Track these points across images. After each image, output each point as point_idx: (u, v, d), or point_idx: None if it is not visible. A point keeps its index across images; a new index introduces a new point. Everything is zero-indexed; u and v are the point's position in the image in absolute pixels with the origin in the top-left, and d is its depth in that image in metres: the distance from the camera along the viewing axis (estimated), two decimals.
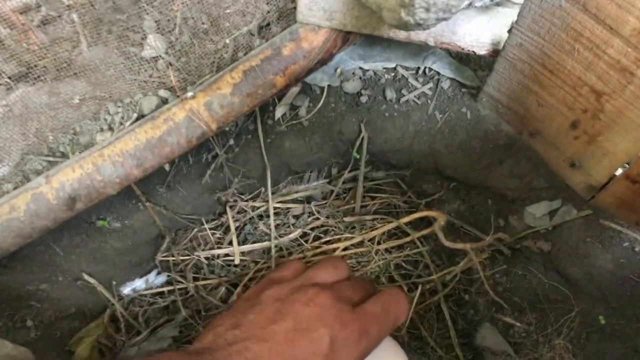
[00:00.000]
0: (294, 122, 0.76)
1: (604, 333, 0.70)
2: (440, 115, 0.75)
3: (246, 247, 0.78)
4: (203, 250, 0.77)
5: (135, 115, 0.66)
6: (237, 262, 0.76)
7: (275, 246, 0.78)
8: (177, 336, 0.72)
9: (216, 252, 0.77)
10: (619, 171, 0.64)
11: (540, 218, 0.75)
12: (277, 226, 0.80)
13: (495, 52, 0.67)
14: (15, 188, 0.61)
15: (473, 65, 0.77)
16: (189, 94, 0.64)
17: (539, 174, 0.73)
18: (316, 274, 0.60)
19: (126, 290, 0.74)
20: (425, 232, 0.80)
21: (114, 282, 0.73)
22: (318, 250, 0.79)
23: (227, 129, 0.73)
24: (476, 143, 0.75)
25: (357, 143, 0.78)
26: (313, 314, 0.53)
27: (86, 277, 0.69)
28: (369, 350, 0.56)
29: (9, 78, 0.69)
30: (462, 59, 0.78)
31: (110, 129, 0.65)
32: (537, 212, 0.75)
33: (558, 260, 0.74)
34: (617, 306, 0.69)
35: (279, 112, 0.76)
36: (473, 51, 0.67)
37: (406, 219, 0.79)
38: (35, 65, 0.70)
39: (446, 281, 0.79)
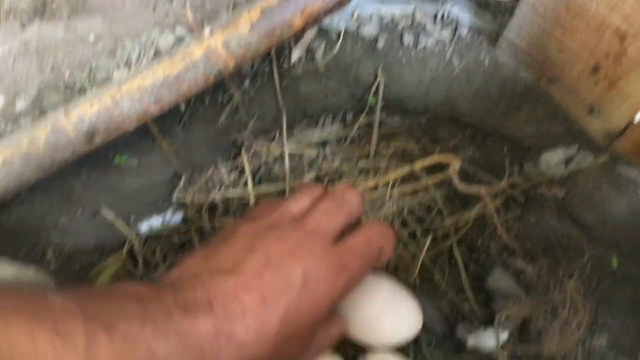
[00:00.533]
0: (310, 66, 0.75)
1: (615, 277, 0.71)
2: (458, 62, 0.75)
3: (261, 189, 0.78)
4: (218, 191, 0.77)
5: (152, 52, 0.66)
6: (252, 203, 0.77)
7: (290, 188, 0.78)
8: None
9: (231, 193, 0.78)
10: (638, 117, 0.64)
11: (556, 165, 0.75)
12: (291, 170, 0.80)
13: None
14: (32, 122, 0.62)
15: (492, 11, 0.76)
16: (207, 31, 0.63)
17: (556, 121, 0.73)
18: (291, 204, 0.57)
19: (143, 227, 0.75)
20: (439, 177, 0.80)
21: (132, 217, 0.74)
22: None
23: (243, 69, 0.73)
24: (494, 90, 0.74)
25: (373, 89, 0.77)
26: (285, 249, 0.50)
27: (104, 212, 0.70)
28: (351, 285, 0.54)
29: (24, 14, 0.69)
30: (481, 4, 0.76)
31: (127, 66, 0.65)
32: (553, 159, 0.75)
33: (572, 207, 0.74)
34: (630, 252, 0.70)
35: (294, 55, 0.75)
36: None
37: (420, 164, 0.79)
38: (50, 2, 0.70)
39: (459, 226, 0.80)
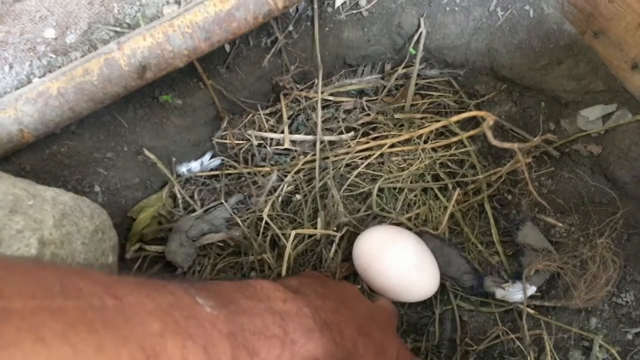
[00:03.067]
0: (354, 11, 0.75)
1: None
2: (502, 12, 0.74)
3: (297, 137, 0.79)
4: (256, 135, 0.78)
5: None
6: (286, 145, 0.77)
7: (321, 142, 0.78)
8: (230, 218, 0.74)
9: (268, 135, 0.78)
10: None
11: (593, 121, 0.75)
12: (327, 120, 0.80)
13: None
14: (82, 56, 0.62)
15: None
16: None
17: (597, 77, 0.73)
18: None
19: (183, 169, 0.76)
20: (473, 132, 0.81)
21: (174, 159, 0.75)
22: (365, 146, 0.80)
23: (290, 10, 0.73)
24: (536, 42, 0.74)
25: (415, 38, 0.77)
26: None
27: (146, 152, 0.71)
28: None
29: None
30: None
31: (177, 2, 0.65)
32: (591, 115, 0.75)
33: (607, 164, 0.75)
34: None
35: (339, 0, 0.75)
36: None
37: (455, 118, 0.79)
38: None
39: (491, 181, 0.81)
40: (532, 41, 0.74)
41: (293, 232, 0.69)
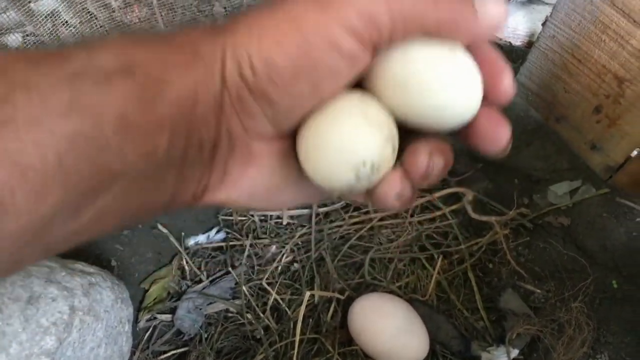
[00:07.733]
0: None
1: (616, 298, 0.78)
2: None
3: (294, 212, 0.86)
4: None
5: None
6: (285, 222, 0.85)
7: (317, 215, 0.86)
8: (234, 287, 0.80)
9: (269, 212, 0.86)
10: (635, 152, 0.73)
11: (562, 196, 0.83)
12: None
13: (529, 44, 0.76)
14: None
15: (505, 57, 0.86)
16: None
17: (562, 156, 0.82)
18: None
19: (191, 242, 0.83)
20: (455, 206, 0.88)
21: (183, 234, 0.82)
22: (357, 219, 0.87)
23: None
24: None
25: None
26: None
27: (160, 227, 0.78)
28: None
29: None
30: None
31: None
32: (559, 190, 0.83)
33: (576, 234, 0.82)
34: (628, 275, 0.77)
35: None
36: (509, 42, 0.76)
37: (438, 194, 0.87)
38: None
39: (473, 251, 0.88)
40: None
41: (307, 293, 0.75)
